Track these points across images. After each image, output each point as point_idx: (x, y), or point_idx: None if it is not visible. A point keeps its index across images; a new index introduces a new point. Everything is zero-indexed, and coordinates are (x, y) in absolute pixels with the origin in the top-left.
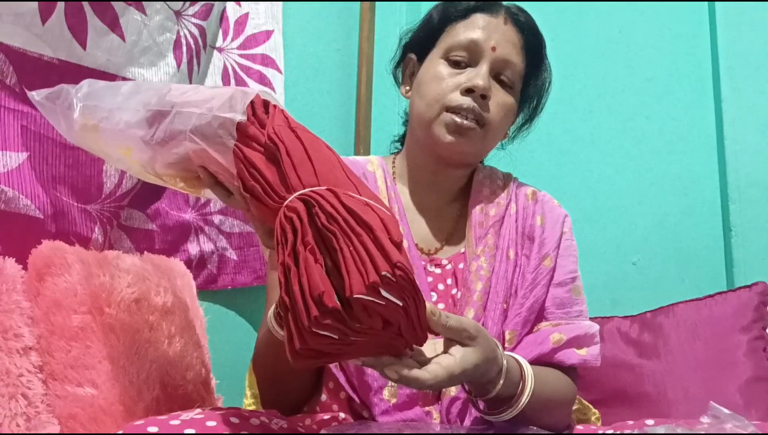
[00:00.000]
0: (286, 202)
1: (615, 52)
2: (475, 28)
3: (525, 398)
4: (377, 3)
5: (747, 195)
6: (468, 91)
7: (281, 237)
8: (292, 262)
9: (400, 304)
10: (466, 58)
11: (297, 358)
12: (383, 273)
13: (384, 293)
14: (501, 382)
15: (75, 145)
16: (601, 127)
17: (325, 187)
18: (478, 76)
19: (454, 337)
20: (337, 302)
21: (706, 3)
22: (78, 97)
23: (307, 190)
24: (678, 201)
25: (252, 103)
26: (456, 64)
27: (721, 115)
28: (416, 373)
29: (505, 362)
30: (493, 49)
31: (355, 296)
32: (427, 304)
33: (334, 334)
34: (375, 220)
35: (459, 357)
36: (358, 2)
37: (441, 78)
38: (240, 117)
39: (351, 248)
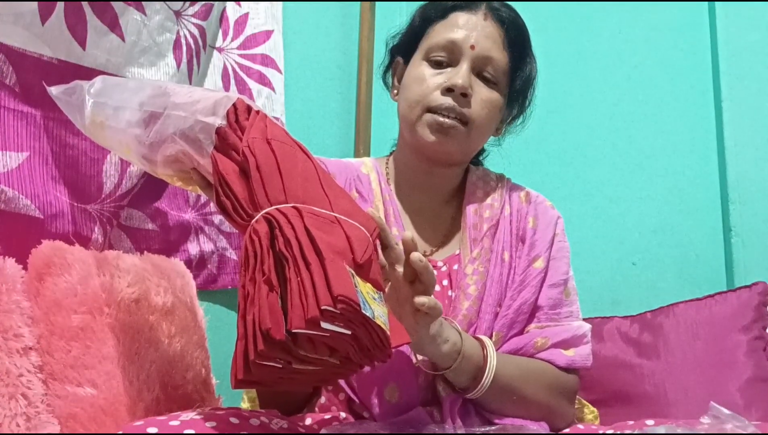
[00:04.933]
0: (252, 222)
1: (615, 52)
2: (453, 28)
3: (488, 371)
4: (377, 3)
5: (747, 195)
6: (448, 91)
7: (245, 260)
8: (252, 289)
9: (348, 332)
10: (446, 58)
11: (239, 383)
12: (323, 307)
13: (326, 326)
14: (461, 341)
15: (93, 141)
16: (601, 127)
17: (291, 205)
18: (458, 75)
19: (422, 272)
20: (284, 334)
21: (706, 3)
22: (90, 93)
23: (272, 208)
24: (678, 201)
25: (235, 108)
26: (437, 65)
27: (721, 115)
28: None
29: (462, 338)
30: (472, 47)
31: (294, 331)
32: (406, 234)
33: (278, 363)
34: (338, 241)
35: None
36: (358, 2)
37: (422, 79)
38: (220, 122)
39: (298, 279)
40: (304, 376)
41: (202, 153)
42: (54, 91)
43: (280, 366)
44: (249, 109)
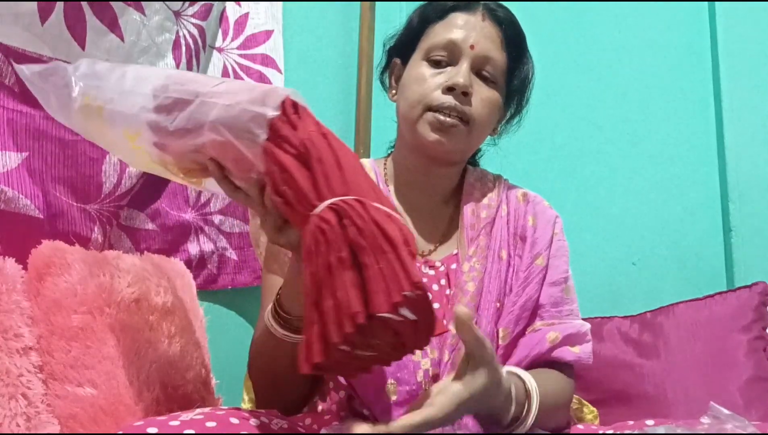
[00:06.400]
0: (316, 211)
1: (615, 52)
2: (453, 28)
3: (532, 416)
4: (377, 3)
5: (747, 195)
6: (449, 90)
7: (313, 247)
8: (328, 275)
9: (415, 318)
10: (446, 57)
11: (311, 368)
12: (406, 293)
13: (403, 311)
14: (512, 408)
15: (63, 124)
16: (601, 127)
17: (353, 198)
18: (459, 74)
19: (474, 349)
20: (365, 319)
21: (706, 3)
22: (77, 75)
23: (337, 199)
24: (678, 201)
25: (283, 103)
26: (437, 64)
27: (721, 115)
28: (420, 412)
29: (512, 387)
30: (472, 47)
31: (378, 315)
32: (463, 309)
33: (350, 347)
34: (397, 234)
35: (466, 380)
36: (358, 2)
37: (423, 79)
38: (272, 113)
39: (378, 266)
40: (358, 362)
41: (246, 143)
42: (27, 71)
43: (350, 350)
44: (294, 104)
